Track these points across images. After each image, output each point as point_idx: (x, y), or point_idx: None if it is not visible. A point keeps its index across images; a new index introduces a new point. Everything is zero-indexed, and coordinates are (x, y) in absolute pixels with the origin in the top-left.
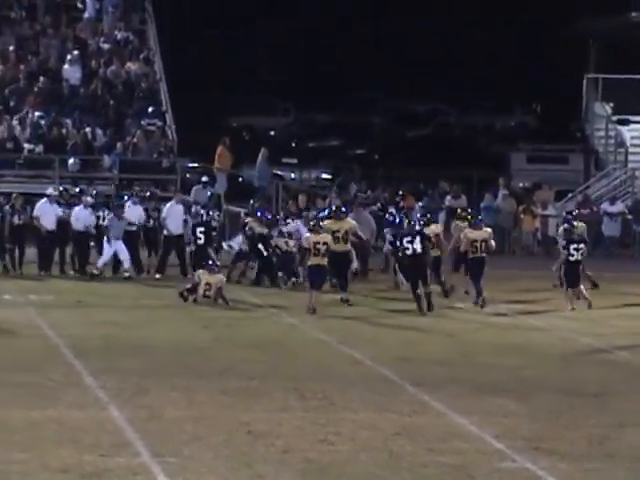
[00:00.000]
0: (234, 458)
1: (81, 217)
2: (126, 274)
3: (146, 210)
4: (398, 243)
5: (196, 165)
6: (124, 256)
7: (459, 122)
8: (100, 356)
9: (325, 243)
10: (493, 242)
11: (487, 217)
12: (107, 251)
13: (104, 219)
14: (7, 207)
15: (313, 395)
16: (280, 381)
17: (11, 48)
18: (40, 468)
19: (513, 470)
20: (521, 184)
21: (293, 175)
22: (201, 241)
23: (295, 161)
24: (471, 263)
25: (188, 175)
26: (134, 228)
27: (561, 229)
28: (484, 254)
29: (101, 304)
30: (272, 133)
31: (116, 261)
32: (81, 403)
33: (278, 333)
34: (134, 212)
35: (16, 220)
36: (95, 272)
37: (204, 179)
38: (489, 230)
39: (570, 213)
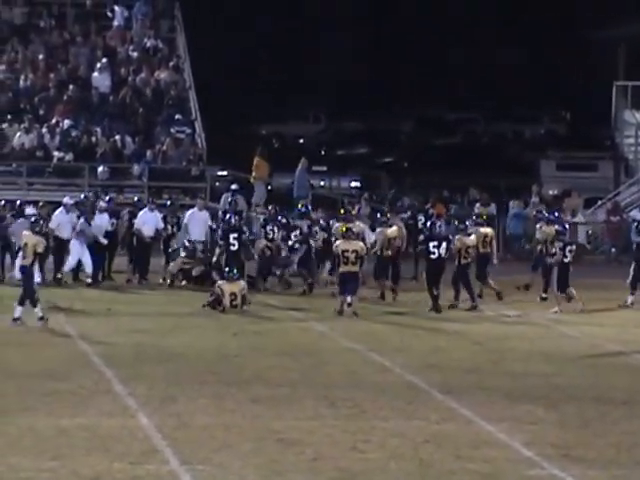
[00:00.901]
0: (264, 466)
1: (97, 223)
2: (62, 278)
3: (164, 218)
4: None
5: (225, 173)
6: (87, 261)
7: (487, 130)
8: (129, 364)
9: (355, 251)
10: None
11: (516, 224)
12: (74, 255)
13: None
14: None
15: (343, 403)
16: (310, 389)
17: (41, 57)
18: (70, 476)
19: (542, 478)
20: (550, 191)
21: (322, 183)
22: (234, 247)
23: (324, 169)
24: (463, 269)
25: (217, 183)
26: (151, 235)
27: (545, 229)
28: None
29: (130, 312)
30: (301, 141)
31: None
32: (110, 411)
33: (308, 341)
34: (150, 219)
35: (43, 228)
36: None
37: (233, 187)
38: (474, 237)
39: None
